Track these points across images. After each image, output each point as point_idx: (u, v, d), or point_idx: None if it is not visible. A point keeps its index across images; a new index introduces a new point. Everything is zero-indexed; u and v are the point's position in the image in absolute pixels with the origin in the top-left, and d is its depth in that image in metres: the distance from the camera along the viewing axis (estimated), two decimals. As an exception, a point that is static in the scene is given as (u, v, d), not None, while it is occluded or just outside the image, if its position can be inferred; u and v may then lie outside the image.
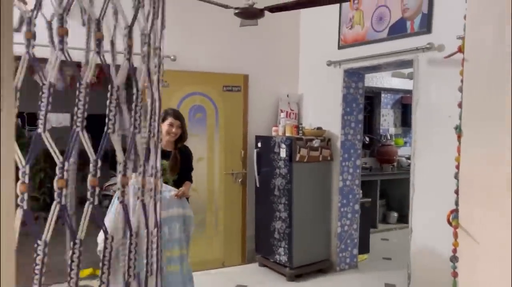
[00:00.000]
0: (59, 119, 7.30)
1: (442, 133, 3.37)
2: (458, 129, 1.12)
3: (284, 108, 4.77)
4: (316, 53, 4.69)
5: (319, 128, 4.44)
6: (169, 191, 2.88)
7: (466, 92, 1.15)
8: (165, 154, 2.84)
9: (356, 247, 4.54)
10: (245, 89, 4.59)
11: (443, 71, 3.41)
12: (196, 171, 4.35)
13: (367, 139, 6.42)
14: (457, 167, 1.16)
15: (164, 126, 3.05)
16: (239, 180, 4.55)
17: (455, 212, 1.16)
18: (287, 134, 4.39)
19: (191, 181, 3.25)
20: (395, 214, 6.26)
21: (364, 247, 4.75)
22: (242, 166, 4.57)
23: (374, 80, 6.12)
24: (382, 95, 6.65)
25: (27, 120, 6.99)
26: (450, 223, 1.23)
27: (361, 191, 4.63)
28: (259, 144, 4.49)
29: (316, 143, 4.27)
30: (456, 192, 1.19)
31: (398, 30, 3.82)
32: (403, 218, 6.27)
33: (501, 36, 1.07)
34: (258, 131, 4.62)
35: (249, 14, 2.93)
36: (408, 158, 6.54)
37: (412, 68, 4.05)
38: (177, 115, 3.10)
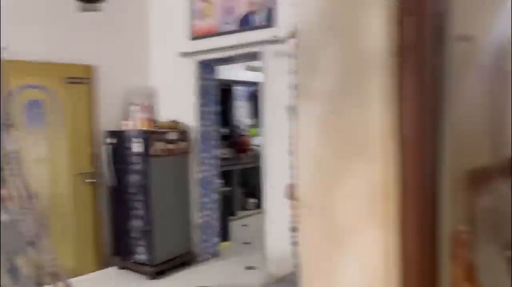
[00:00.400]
0: None
1: (286, 121, 3.63)
2: (292, 110, 1.19)
3: (136, 101, 4.55)
4: (168, 44, 4.59)
5: (174, 121, 4.36)
6: None
7: (298, 75, 1.23)
8: None
9: (217, 236, 4.62)
10: (91, 81, 4.23)
11: (285, 63, 3.66)
12: (36, 174, 3.87)
13: (227, 131, 6.60)
14: (293, 144, 1.23)
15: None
16: (89, 181, 4.19)
17: (292, 186, 1.24)
18: (141, 128, 4.21)
19: None
20: (253, 201, 6.58)
21: (225, 235, 4.87)
22: (91, 165, 4.22)
23: (228, 73, 6.29)
24: (236, 87, 6.89)
25: None
26: (289, 197, 1.31)
27: (220, 181, 4.72)
28: (111, 140, 4.20)
29: (172, 135, 4.18)
30: (292, 167, 1.27)
31: (246, 23, 3.97)
32: (261, 204, 6.64)
33: (324, 18, 1.16)
34: (109, 126, 4.32)
35: (88, -3, 2.68)
36: (263, 147, 6.94)
37: (258, 61, 4.30)
38: None
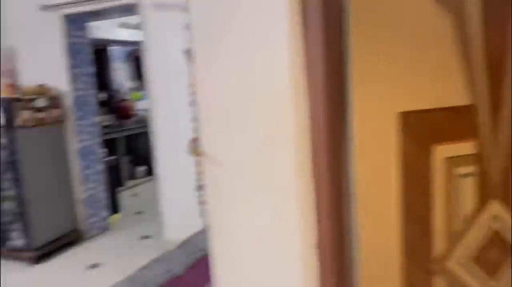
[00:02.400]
0: None
1: (174, 78, 3.42)
2: (189, 53, 1.05)
3: (-9, 64, 3.84)
4: (24, -5, 3.90)
5: (41, 85, 3.80)
6: None
7: (192, 13, 1.07)
8: None
9: (106, 209, 4.29)
10: None
11: (168, 14, 3.40)
12: None
13: (105, 96, 6.04)
14: (193, 93, 1.10)
15: None
16: None
17: (196, 140, 1.12)
18: (1, 95, 3.58)
19: None
20: (142, 168, 6.27)
21: (114, 207, 4.56)
22: None
23: (100, 31, 5.67)
24: (112, 47, 6.30)
25: None
26: (193, 153, 1.18)
27: (104, 151, 4.33)
28: (-39, 112, 3.51)
29: (40, 102, 3.65)
30: (195, 119, 1.14)
31: (118, -29, 3.55)
32: (151, 171, 6.36)
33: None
34: (-44, 95, 3.59)
35: None
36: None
37: (135, 15, 3.93)
38: None
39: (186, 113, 3.41)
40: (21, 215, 3.49)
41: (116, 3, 3.57)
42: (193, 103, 1.10)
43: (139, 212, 4.83)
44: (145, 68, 3.57)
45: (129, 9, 3.76)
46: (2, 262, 3.65)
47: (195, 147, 1.13)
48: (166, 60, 3.46)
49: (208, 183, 1.11)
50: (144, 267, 2.01)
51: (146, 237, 4.01)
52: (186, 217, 3.52)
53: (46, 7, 3.78)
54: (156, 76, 3.53)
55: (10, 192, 3.48)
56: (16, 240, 3.54)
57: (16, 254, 3.61)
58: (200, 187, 1.19)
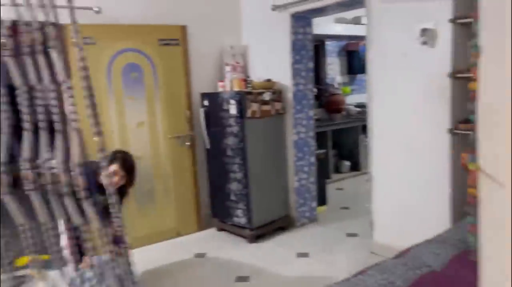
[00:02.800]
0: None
1: (398, 74, 3.21)
2: (475, 47, 0.88)
3: (229, 61, 4.39)
4: (259, -2, 4.29)
5: (268, 80, 4.13)
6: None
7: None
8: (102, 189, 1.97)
9: (314, 200, 4.43)
10: (184, 42, 4.13)
11: (396, 6, 3.19)
12: (138, 137, 3.93)
13: (316, 90, 6.24)
14: (473, 96, 0.93)
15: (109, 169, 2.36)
16: (187, 143, 4.19)
17: (472, 153, 0.95)
18: (235, 89, 4.05)
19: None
20: (347, 163, 6.26)
21: (321, 199, 4.66)
22: (188, 127, 4.20)
23: (317, 28, 5.84)
24: (327, 42, 6.43)
25: None
26: (465, 168, 1.02)
27: (315, 143, 4.46)
28: (206, 102, 4.12)
29: (267, 96, 3.97)
30: (472, 128, 0.97)
31: (346, -34, 3.52)
32: (355, 166, 6.30)
33: None
34: (203, 88, 4.23)
35: None
36: (357, 106, 6.49)
37: (359, 9, 3.85)
38: (124, 164, 2.63)
39: (409, 113, 3.18)
40: (245, 196, 3.90)
41: (341, -2, 3.56)
42: (472, 107, 0.91)
43: (345, 207, 4.81)
44: (367, 61, 3.45)
45: (353, 3, 3.71)
46: (226, 235, 4.17)
47: (471, 161, 0.95)
48: (388, 56, 3.27)
49: (485, 207, 0.92)
50: (361, 273, 1.92)
51: (353, 234, 3.96)
52: (401, 223, 3.30)
53: (277, 7, 4.06)
54: (377, 71, 3.38)
55: (238, 175, 3.92)
56: (240, 217, 3.98)
57: (237, 230, 4.07)
58: (472, 209, 1.00)
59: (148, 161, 3.99)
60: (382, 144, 3.40)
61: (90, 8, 3.55)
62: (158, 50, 3.98)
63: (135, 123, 3.90)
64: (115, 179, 2.56)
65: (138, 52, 3.88)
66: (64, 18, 1.42)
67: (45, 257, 1.68)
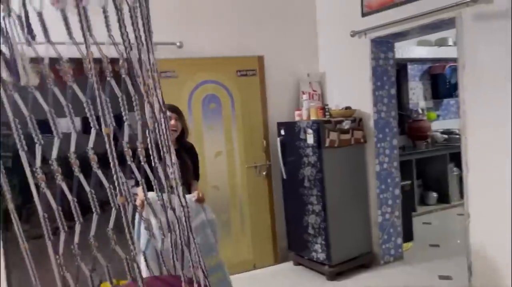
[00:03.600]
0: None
1: (497, 99, 2.88)
2: None
3: (305, 89, 4.31)
4: (336, 24, 4.19)
5: (348, 108, 3.96)
6: (188, 200, 2.55)
7: None
8: None
9: (400, 236, 4.08)
10: (261, 72, 4.13)
11: (493, 26, 2.90)
12: (216, 166, 3.95)
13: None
14: None
15: None
16: (263, 173, 4.12)
17: None
18: (313, 118, 3.93)
19: (198, 179, 2.95)
20: (434, 195, 5.76)
21: (407, 235, 4.29)
22: (265, 157, 4.14)
23: (399, 51, 5.57)
24: (409, 66, 6.10)
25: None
26: None
27: (399, 174, 4.15)
28: (282, 132, 4.05)
29: (346, 124, 3.80)
30: None
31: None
32: (443, 198, 5.78)
33: None
34: (279, 117, 4.18)
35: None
36: (444, 133, 6.02)
37: (448, 29, 3.59)
38: (173, 108, 2.81)
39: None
40: (324, 230, 3.70)
41: (429, 20, 3.33)
42: None
43: (434, 245, 4.37)
44: (459, 85, 3.15)
45: (441, 25, 3.45)
46: (304, 270, 3.97)
47: None
48: (485, 80, 2.96)
49: None
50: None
51: (446, 277, 3.55)
52: (504, 267, 2.89)
53: (356, 33, 3.92)
54: (472, 96, 3.06)
55: (316, 207, 3.75)
56: (318, 252, 3.78)
57: (315, 266, 3.86)
58: None
59: (225, 191, 3.98)
60: (480, 178, 3.04)
61: (174, 44, 3.69)
62: (236, 81, 4.02)
63: (213, 152, 3.94)
64: (172, 122, 2.74)
65: (217, 83, 3.95)
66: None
67: (122, 282, 1.70)
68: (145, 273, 1.77)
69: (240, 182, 4.05)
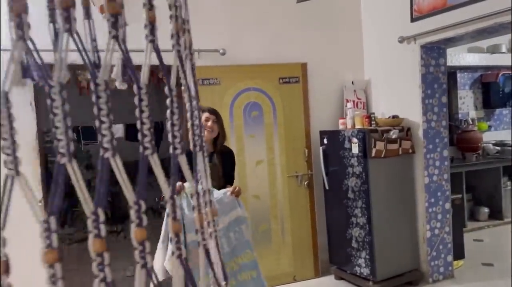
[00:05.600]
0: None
1: None
2: None
3: (349, 97, 4.18)
4: (383, 30, 4.05)
5: (395, 116, 3.80)
6: (223, 194, 2.63)
7: None
8: None
9: (450, 253, 3.84)
10: (304, 80, 4.05)
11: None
12: (257, 175, 3.88)
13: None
14: None
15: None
16: (305, 183, 4.01)
17: None
18: (358, 127, 3.80)
19: (230, 184, 2.92)
20: (486, 210, 5.42)
21: (458, 252, 4.03)
22: (307, 166, 4.03)
23: (448, 58, 5.32)
24: (458, 74, 5.82)
25: (82, 134, 6.84)
26: None
27: (450, 187, 3.92)
28: (325, 141, 3.93)
29: (394, 134, 3.63)
30: None
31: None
32: (496, 214, 5.43)
33: None
34: (322, 126, 4.07)
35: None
36: (497, 145, 5.68)
37: (504, 35, 3.38)
38: (211, 110, 2.84)
39: None
40: (368, 243, 3.54)
41: (486, 24, 3.14)
42: None
43: (488, 264, 4.09)
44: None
45: (498, 30, 3.25)
46: (346, 285, 3.81)
47: None
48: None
49: None
50: None
51: (503, 299, 3.30)
52: None
53: (404, 39, 3.77)
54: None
55: (360, 220, 3.60)
56: (362, 267, 3.61)
57: (359, 281, 3.69)
58: None
59: (265, 201, 3.90)
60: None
61: (217, 51, 3.69)
62: (278, 88, 3.95)
63: (254, 161, 3.88)
64: (209, 123, 2.75)
65: (259, 91, 3.90)
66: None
67: None
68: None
69: (281, 192, 3.96)
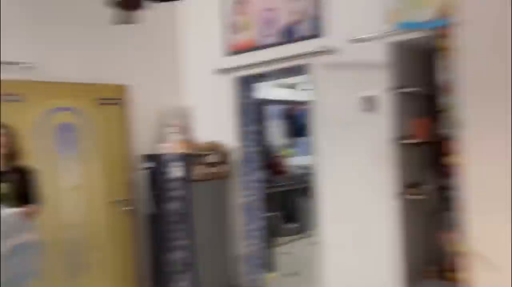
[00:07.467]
0: None
1: (342, 139, 3.28)
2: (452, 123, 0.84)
3: (171, 122, 4.25)
4: (202, 61, 4.28)
5: (214, 142, 4.03)
6: (10, 214, 2.39)
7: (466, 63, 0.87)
8: None
9: (264, 267, 4.20)
10: (124, 102, 3.95)
11: (337, 75, 3.34)
12: (72, 201, 3.57)
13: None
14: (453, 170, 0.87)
15: None
16: (126, 209, 3.86)
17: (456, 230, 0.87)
18: (179, 151, 3.88)
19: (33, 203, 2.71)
20: (294, 225, 6.14)
21: (270, 265, 4.44)
22: (128, 191, 3.90)
23: (262, 91, 5.97)
24: (270, 106, 6.56)
25: None
26: (451, 249, 0.93)
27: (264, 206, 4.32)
28: (147, 164, 3.89)
29: (212, 158, 3.85)
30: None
31: (289, 34, 3.66)
32: (302, 229, 6.19)
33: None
34: (144, 150, 4.01)
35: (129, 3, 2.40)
36: (300, 168, 6.54)
37: (303, 75, 3.97)
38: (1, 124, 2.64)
39: (355, 178, 3.21)
40: (191, 265, 3.59)
41: (285, 65, 3.66)
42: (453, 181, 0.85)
43: (295, 273, 4.60)
44: (312, 126, 3.50)
45: (297, 70, 3.80)
46: (168, 311, 3.76)
47: (455, 242, 0.87)
48: (334, 122, 3.36)
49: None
50: None
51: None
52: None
53: (220, 71, 4.07)
54: (322, 136, 3.43)
55: (182, 242, 3.64)
56: (183, 290, 3.63)
57: (181, 305, 3.69)
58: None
59: (80, 230, 3.59)
60: (332, 211, 3.38)
61: (23, 63, 3.30)
62: (98, 110, 3.76)
63: (69, 186, 3.55)
64: None
65: (73, 111, 3.63)
66: None
67: None
68: None
69: (99, 219, 3.71)
